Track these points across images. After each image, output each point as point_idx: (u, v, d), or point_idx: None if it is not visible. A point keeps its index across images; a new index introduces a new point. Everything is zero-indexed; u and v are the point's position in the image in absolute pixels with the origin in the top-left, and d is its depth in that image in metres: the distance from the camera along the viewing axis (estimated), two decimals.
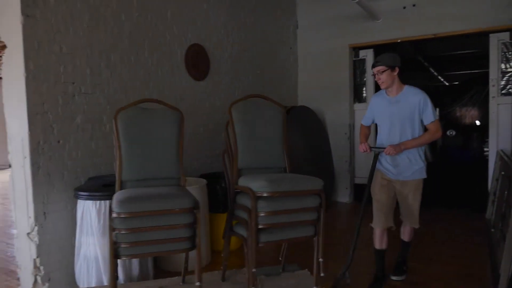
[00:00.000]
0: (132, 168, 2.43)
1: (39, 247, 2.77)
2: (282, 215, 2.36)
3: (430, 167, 3.01)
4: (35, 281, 2.80)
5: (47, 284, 2.81)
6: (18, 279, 3.26)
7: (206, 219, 3.57)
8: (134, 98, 3.46)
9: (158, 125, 2.52)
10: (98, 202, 2.66)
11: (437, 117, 2.80)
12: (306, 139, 5.37)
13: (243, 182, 2.51)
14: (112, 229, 2.07)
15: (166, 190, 2.34)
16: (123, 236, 2.08)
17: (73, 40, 2.99)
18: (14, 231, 2.91)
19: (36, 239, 2.76)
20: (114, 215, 2.06)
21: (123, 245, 2.09)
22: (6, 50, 2.83)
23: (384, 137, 2.91)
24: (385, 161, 2.93)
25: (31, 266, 2.80)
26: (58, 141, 2.89)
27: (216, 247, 3.80)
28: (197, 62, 4.20)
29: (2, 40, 2.84)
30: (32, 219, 2.75)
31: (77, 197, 2.77)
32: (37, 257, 2.77)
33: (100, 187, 2.76)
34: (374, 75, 2.84)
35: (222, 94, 4.57)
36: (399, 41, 5.47)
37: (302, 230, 2.48)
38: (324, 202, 2.44)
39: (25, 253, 2.85)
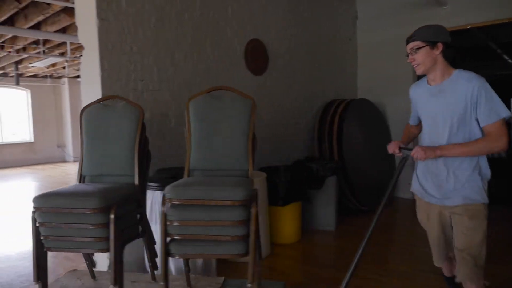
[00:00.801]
0: (200, 157, 2.44)
1: None
2: (195, 226, 2.06)
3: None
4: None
5: None
6: (94, 261, 3.55)
7: (266, 212, 3.63)
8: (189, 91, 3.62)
9: (230, 114, 2.46)
10: (158, 192, 2.82)
11: (505, 117, 1.90)
12: (365, 133, 5.24)
13: None
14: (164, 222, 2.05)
15: (228, 179, 2.24)
16: (175, 228, 2.06)
17: (141, 40, 3.18)
18: None
19: None
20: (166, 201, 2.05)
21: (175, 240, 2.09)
22: (84, 51, 3.08)
23: (425, 141, 2.15)
24: (422, 176, 2.18)
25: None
26: None
27: (275, 240, 3.86)
28: (256, 57, 4.27)
29: (80, 42, 3.09)
30: None
31: (147, 188, 2.95)
32: None
33: (168, 179, 2.92)
34: (408, 55, 2.08)
35: (280, 88, 4.59)
36: (469, 27, 5.12)
37: (227, 246, 2.06)
38: (254, 215, 2.03)
39: None
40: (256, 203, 2.08)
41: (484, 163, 2.02)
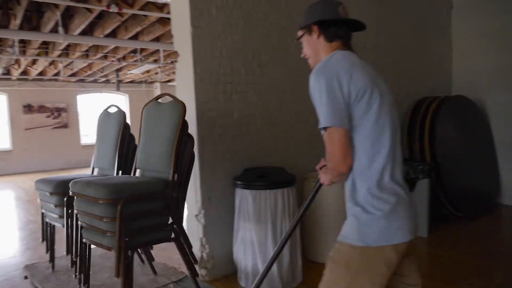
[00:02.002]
0: (140, 157, 2.80)
1: (205, 228, 3.18)
2: (85, 216, 2.36)
3: None
4: (202, 257, 3.22)
5: (211, 261, 3.21)
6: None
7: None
8: (282, 96, 3.67)
9: (162, 119, 2.75)
10: (254, 191, 2.90)
11: (331, 124, 1.38)
12: (462, 133, 4.82)
13: None
14: None
15: (122, 179, 2.58)
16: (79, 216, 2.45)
17: (230, 45, 3.32)
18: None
19: (202, 221, 3.17)
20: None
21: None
22: (179, 58, 3.31)
23: None
24: None
25: (198, 244, 3.23)
26: (219, 135, 3.25)
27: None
28: None
29: (175, 49, 3.33)
30: (199, 203, 3.17)
31: (235, 185, 3.07)
32: (203, 236, 3.18)
33: (256, 178, 3.01)
34: None
35: None
36: None
37: (105, 238, 2.27)
38: (119, 213, 2.11)
39: (193, 232, 3.30)
40: (125, 203, 2.15)
41: (363, 188, 1.40)
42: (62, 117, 12.48)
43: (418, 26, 5.15)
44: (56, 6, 5.05)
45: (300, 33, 1.63)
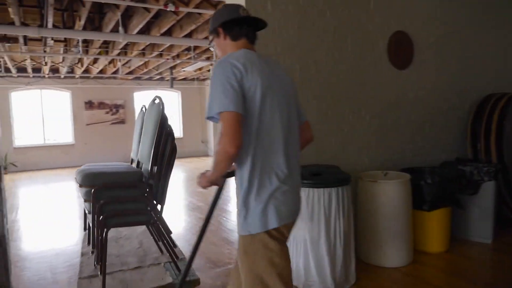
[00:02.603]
0: (135, 150, 3.81)
1: None
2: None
3: None
4: None
5: None
6: None
7: (409, 217, 3.38)
8: (336, 94, 3.58)
9: (151, 116, 3.42)
10: (307, 189, 2.86)
11: (224, 109, 1.48)
12: None
13: None
14: None
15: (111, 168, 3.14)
16: None
17: (285, 41, 3.28)
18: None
19: None
20: None
21: None
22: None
23: None
24: None
25: None
26: None
27: (418, 247, 3.58)
28: (400, 50, 3.99)
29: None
30: None
31: None
32: None
33: (309, 175, 2.96)
34: None
35: (427, 82, 4.21)
36: None
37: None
38: (92, 197, 2.68)
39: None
40: (98, 189, 2.74)
41: (248, 177, 1.58)
42: (120, 113, 13.14)
43: (483, 18, 4.80)
44: (117, 6, 5.29)
45: (210, 38, 1.80)
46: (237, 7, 1.72)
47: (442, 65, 4.35)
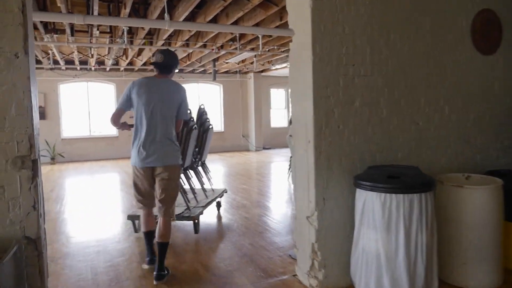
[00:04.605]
0: None
1: (318, 232, 2.76)
2: None
3: None
4: (312, 264, 2.81)
5: (323, 270, 2.78)
6: (290, 256, 3.42)
7: (500, 229, 2.82)
8: (412, 79, 3.07)
9: None
10: (383, 195, 2.40)
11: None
12: None
13: None
14: None
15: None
16: None
17: (354, 19, 2.82)
18: (292, 212, 3.03)
19: (315, 223, 2.76)
20: None
21: None
22: (293, 37, 2.91)
23: None
24: None
25: (309, 249, 2.83)
26: (338, 126, 2.79)
27: (510, 265, 3.00)
28: (486, 32, 3.40)
29: (290, 27, 2.93)
30: (312, 204, 2.76)
31: (358, 186, 2.59)
32: (316, 242, 2.77)
33: (384, 178, 2.49)
34: None
35: None
36: None
37: None
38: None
39: (303, 236, 2.91)
40: None
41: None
42: None
43: None
44: None
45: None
46: (157, 52, 3.24)
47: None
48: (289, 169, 8.11)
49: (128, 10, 5.58)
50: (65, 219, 5.17)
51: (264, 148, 14.20)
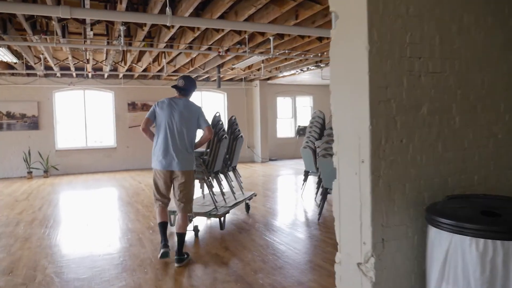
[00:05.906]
0: None
1: (375, 286, 2.01)
2: None
3: None
4: None
5: None
6: None
7: None
8: (489, 78, 2.34)
9: None
10: (482, 240, 1.65)
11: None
12: None
13: None
14: None
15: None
16: None
17: None
18: (338, 254, 2.27)
19: (371, 274, 2.01)
20: None
21: None
22: (337, 22, 2.19)
23: None
24: None
25: None
26: (401, 140, 2.06)
27: None
28: None
29: (332, 10, 2.22)
30: (368, 246, 2.01)
31: (435, 224, 1.85)
32: None
33: (478, 215, 1.75)
34: None
35: None
36: None
37: None
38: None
39: (351, 287, 2.16)
40: None
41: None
42: None
43: None
44: None
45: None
46: (179, 79, 4.02)
47: None
48: (303, 184, 7.37)
49: (124, 5, 4.91)
50: (48, 246, 4.39)
51: (270, 160, 13.46)
